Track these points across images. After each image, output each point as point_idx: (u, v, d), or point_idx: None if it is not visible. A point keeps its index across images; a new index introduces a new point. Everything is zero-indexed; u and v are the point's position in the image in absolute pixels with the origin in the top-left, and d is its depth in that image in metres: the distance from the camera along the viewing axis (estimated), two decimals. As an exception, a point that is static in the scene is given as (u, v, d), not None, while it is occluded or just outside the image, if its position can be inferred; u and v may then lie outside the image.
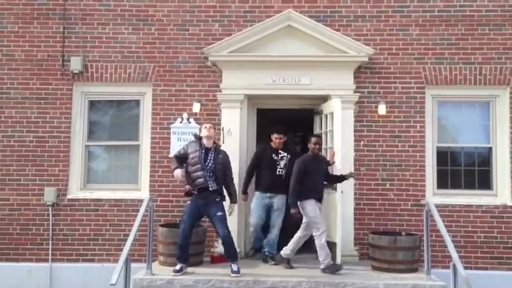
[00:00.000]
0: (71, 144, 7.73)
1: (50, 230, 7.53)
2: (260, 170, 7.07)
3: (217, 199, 6.36)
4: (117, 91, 7.85)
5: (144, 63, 7.72)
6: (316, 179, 6.48)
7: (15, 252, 7.54)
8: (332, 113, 7.05)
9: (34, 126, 7.71)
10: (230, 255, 6.26)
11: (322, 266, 6.28)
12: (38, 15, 7.84)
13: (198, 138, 6.52)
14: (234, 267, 6.17)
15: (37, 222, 7.58)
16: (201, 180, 6.27)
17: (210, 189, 6.29)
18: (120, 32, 7.79)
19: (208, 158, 6.37)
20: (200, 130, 6.81)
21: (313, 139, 6.67)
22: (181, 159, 6.44)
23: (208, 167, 6.32)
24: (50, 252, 7.52)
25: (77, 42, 7.77)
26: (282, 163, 6.98)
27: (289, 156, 6.99)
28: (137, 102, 7.88)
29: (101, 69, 7.75)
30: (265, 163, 7.01)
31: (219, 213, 6.28)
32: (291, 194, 6.42)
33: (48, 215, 7.55)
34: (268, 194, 6.95)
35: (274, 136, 7.05)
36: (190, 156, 6.39)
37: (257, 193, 7.04)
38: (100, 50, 7.78)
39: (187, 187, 6.41)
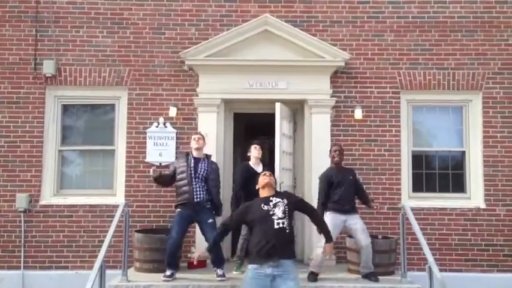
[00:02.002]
0: (44, 149, 7.58)
1: (22, 236, 7.36)
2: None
3: (207, 206, 6.29)
4: (91, 95, 7.73)
5: (119, 66, 7.63)
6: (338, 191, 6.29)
7: (-15, 260, 7.35)
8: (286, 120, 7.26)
9: (5, 130, 7.55)
10: (218, 261, 6.16)
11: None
12: (9, 17, 7.70)
13: (186, 154, 6.51)
14: (219, 271, 6.12)
15: (9, 228, 7.41)
16: (187, 195, 6.21)
17: (200, 197, 6.23)
18: (94, 35, 7.68)
19: (199, 167, 6.32)
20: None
21: (334, 147, 6.54)
22: (172, 176, 6.36)
23: (199, 176, 6.27)
24: (22, 259, 7.35)
25: (50, 45, 7.65)
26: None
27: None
28: (112, 106, 7.77)
29: (75, 73, 7.63)
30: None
31: (210, 220, 6.23)
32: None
33: (20, 221, 7.38)
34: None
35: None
36: (178, 170, 6.34)
37: None
38: (74, 53, 7.66)
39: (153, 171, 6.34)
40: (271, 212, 4.57)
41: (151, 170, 6.42)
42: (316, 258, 6.13)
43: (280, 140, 7.04)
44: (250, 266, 4.52)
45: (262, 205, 4.64)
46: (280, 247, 4.45)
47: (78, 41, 7.68)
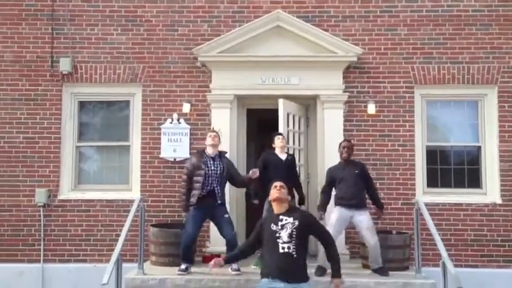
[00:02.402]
0: (62, 145, 7.72)
1: (42, 230, 7.53)
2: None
3: (219, 202, 6.35)
4: (106, 92, 7.85)
5: (134, 63, 7.72)
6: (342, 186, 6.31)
7: (6, 253, 7.54)
8: (293, 115, 7.33)
9: (24, 127, 7.70)
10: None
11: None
12: (26, 16, 7.82)
13: (200, 151, 6.56)
14: (235, 265, 6.16)
15: (28, 223, 7.58)
16: (201, 194, 6.26)
17: (215, 193, 6.29)
18: (109, 33, 7.78)
19: (216, 165, 6.36)
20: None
21: (342, 143, 6.55)
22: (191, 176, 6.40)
23: (217, 173, 6.32)
24: (41, 253, 7.52)
25: (66, 43, 7.76)
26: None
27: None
28: (127, 103, 7.88)
29: (90, 70, 7.74)
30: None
31: (226, 216, 6.33)
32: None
33: (39, 215, 7.55)
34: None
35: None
36: (193, 167, 6.36)
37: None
38: (89, 50, 7.77)
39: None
40: (277, 234, 4.29)
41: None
42: (321, 251, 6.12)
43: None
44: (263, 280, 4.35)
45: (272, 225, 4.38)
46: (288, 272, 4.21)
47: (94, 38, 7.78)
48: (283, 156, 6.70)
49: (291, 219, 4.34)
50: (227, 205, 6.72)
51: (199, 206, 6.30)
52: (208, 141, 6.49)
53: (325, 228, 4.81)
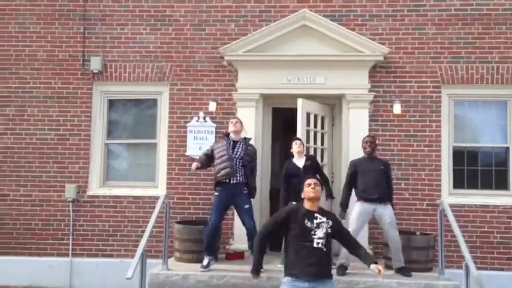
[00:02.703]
0: (91, 142, 7.91)
1: (71, 225, 7.73)
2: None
3: (244, 191, 6.43)
4: (135, 90, 8.01)
5: (162, 62, 7.85)
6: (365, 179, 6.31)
7: (37, 246, 7.76)
8: (315, 114, 7.35)
9: (55, 124, 7.92)
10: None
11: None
12: (59, 16, 8.04)
13: (226, 134, 6.69)
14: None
15: (58, 217, 7.79)
16: (227, 170, 6.34)
17: (238, 179, 6.38)
18: (138, 33, 7.93)
19: (236, 149, 6.48)
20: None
21: (366, 138, 6.57)
22: (209, 157, 6.57)
23: (236, 157, 6.41)
24: (70, 247, 7.71)
25: (97, 42, 7.95)
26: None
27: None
28: (154, 101, 8.02)
29: (120, 69, 7.91)
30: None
31: (247, 206, 6.38)
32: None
33: (68, 211, 7.75)
34: None
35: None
36: (216, 150, 6.52)
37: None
38: (119, 50, 7.94)
39: (194, 165, 6.53)
40: (312, 232, 4.33)
41: (192, 166, 6.59)
42: (344, 249, 6.12)
43: (302, 135, 7.08)
44: (285, 279, 4.36)
45: (306, 221, 4.37)
46: (317, 268, 4.25)
47: (123, 38, 7.95)
48: (301, 163, 6.58)
49: (325, 219, 4.41)
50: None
51: (221, 191, 6.40)
52: (230, 127, 6.61)
53: (350, 232, 4.85)
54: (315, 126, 7.52)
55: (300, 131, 7.07)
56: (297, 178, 6.03)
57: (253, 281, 5.92)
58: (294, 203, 5.81)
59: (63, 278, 7.64)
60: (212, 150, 6.60)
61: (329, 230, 4.36)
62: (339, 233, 4.52)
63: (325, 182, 6.70)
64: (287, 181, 6.49)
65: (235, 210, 6.74)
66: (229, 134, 6.65)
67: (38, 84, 7.98)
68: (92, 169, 7.90)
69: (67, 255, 7.71)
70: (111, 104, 8.11)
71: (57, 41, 8.02)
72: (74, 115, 7.92)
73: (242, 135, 6.74)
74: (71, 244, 7.71)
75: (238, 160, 6.42)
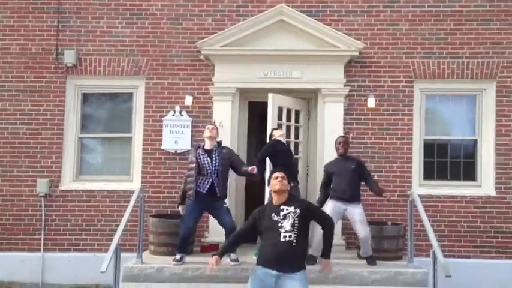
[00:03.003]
0: (64, 137, 7.82)
1: (43, 220, 7.62)
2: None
3: (218, 194, 6.32)
4: (110, 84, 7.94)
5: (138, 56, 7.82)
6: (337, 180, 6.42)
7: (8, 242, 7.63)
8: (287, 108, 7.49)
9: (27, 118, 7.80)
10: None
11: None
12: (32, 9, 7.93)
13: (196, 147, 6.54)
14: (233, 255, 6.18)
15: (30, 212, 7.67)
16: (194, 189, 6.24)
17: (212, 189, 6.26)
18: (114, 26, 7.88)
19: (212, 159, 6.29)
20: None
21: (338, 139, 6.61)
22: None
23: (213, 168, 6.27)
24: (42, 242, 7.60)
25: (71, 36, 7.87)
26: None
27: None
28: (130, 95, 7.97)
29: (95, 63, 7.84)
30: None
31: (225, 205, 6.34)
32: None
33: (40, 205, 7.65)
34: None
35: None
36: (190, 166, 6.35)
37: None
38: (94, 43, 7.87)
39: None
40: (279, 224, 4.35)
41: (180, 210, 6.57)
42: (315, 241, 6.17)
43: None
44: (257, 267, 4.43)
45: (273, 215, 4.43)
46: (286, 261, 4.27)
47: (98, 31, 7.88)
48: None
49: (292, 208, 4.41)
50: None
51: (196, 200, 6.28)
52: (206, 133, 6.46)
53: (325, 213, 4.97)
54: (288, 120, 7.58)
55: (271, 125, 7.10)
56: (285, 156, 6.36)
57: (229, 272, 6.00)
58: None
59: (35, 272, 7.52)
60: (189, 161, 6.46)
61: (297, 220, 4.35)
62: (312, 216, 4.58)
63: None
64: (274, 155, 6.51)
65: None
66: (199, 146, 6.48)
67: (10, 78, 7.85)
68: (65, 163, 7.80)
69: (39, 250, 7.59)
70: (85, 97, 8.03)
71: (31, 34, 7.91)
72: (47, 109, 7.82)
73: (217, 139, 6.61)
74: (42, 239, 7.60)
75: (215, 171, 6.27)
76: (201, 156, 6.31)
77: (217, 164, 6.29)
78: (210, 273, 5.99)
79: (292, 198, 4.64)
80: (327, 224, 4.68)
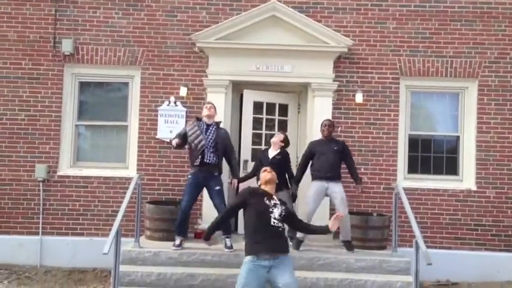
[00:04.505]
0: (62, 124, 8.00)
1: (41, 204, 7.84)
2: None
3: (215, 173, 6.68)
4: (106, 73, 8.12)
5: (134, 47, 8.00)
6: (320, 159, 6.79)
7: (6, 225, 7.85)
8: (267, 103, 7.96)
9: (26, 105, 7.97)
10: (224, 228, 6.53)
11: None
12: (30, -3, 8.04)
13: (198, 119, 6.86)
14: (228, 242, 6.49)
15: (28, 197, 7.89)
16: (199, 158, 6.56)
17: (210, 162, 6.60)
18: (110, 16, 8.04)
19: (209, 132, 6.68)
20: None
21: (324, 121, 7.00)
22: (183, 137, 6.71)
23: (209, 140, 6.62)
24: (40, 225, 7.82)
25: (69, 24, 8.02)
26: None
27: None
28: (126, 84, 8.17)
29: (91, 52, 8.01)
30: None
31: (217, 187, 6.62)
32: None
33: (39, 190, 7.86)
34: None
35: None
36: (190, 132, 6.67)
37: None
38: (91, 33, 8.03)
39: (174, 141, 6.66)
40: (270, 209, 4.72)
41: (173, 142, 6.71)
42: None
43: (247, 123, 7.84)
44: (247, 258, 4.64)
45: (265, 199, 4.80)
46: (275, 243, 4.62)
47: (95, 21, 8.03)
48: (271, 154, 7.07)
49: (279, 203, 4.85)
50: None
51: (193, 175, 6.64)
52: (204, 112, 6.79)
53: (299, 218, 5.35)
54: (271, 114, 7.94)
55: (246, 120, 7.51)
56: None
57: (222, 257, 6.33)
58: None
59: (33, 256, 7.76)
60: (186, 132, 6.75)
61: (283, 212, 4.76)
62: (291, 219, 5.00)
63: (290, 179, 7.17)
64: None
65: (205, 192, 6.99)
66: (200, 118, 6.85)
67: (8, 65, 7.99)
68: (63, 150, 8.00)
69: (37, 233, 7.82)
70: (82, 86, 8.21)
71: (28, 22, 8.03)
72: (45, 96, 7.99)
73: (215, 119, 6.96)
74: (41, 223, 7.83)
75: (211, 143, 6.65)
76: (204, 128, 6.67)
77: (213, 138, 6.65)
78: (204, 258, 6.34)
79: (279, 195, 5.07)
80: (303, 224, 5.20)
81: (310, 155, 6.94)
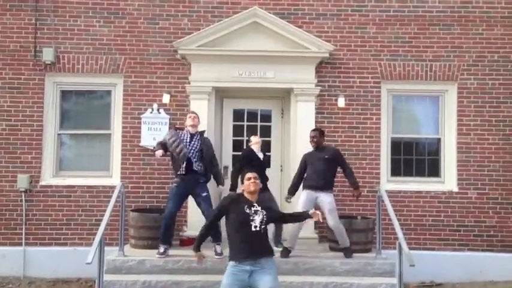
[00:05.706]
0: (44, 133, 7.95)
1: (24, 215, 7.77)
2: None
3: (201, 181, 6.67)
4: (88, 82, 8.10)
5: (115, 55, 7.99)
6: (311, 169, 6.77)
7: (-12, 236, 7.76)
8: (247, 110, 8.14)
9: (7, 114, 7.91)
10: (213, 235, 6.46)
11: None
12: (10, 6, 8.01)
13: (176, 129, 6.86)
14: (218, 249, 6.48)
15: (10, 207, 7.81)
16: (184, 167, 6.55)
17: (197, 169, 6.61)
18: (91, 25, 8.03)
19: (194, 141, 6.67)
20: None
21: (311, 133, 6.95)
22: (164, 145, 6.66)
23: (194, 148, 6.62)
24: (23, 236, 7.75)
25: (49, 33, 7.99)
26: None
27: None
28: (109, 92, 8.16)
29: (73, 61, 7.98)
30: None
31: (204, 194, 6.60)
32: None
33: (21, 200, 7.79)
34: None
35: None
36: (170, 141, 6.62)
37: None
38: (72, 41, 8.00)
39: (158, 153, 6.58)
40: (251, 217, 4.75)
41: (157, 154, 6.61)
42: (290, 234, 6.64)
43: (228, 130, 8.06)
44: (230, 262, 4.75)
45: (246, 207, 4.82)
46: (257, 248, 4.68)
47: (76, 30, 8.02)
48: (260, 155, 7.13)
49: (260, 208, 4.85)
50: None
51: (180, 182, 6.63)
52: (188, 121, 6.79)
53: (280, 212, 5.65)
54: (253, 120, 8.06)
55: (226, 128, 7.90)
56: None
57: (208, 263, 6.31)
58: None
59: (16, 267, 7.68)
60: (166, 141, 6.70)
61: (265, 218, 4.79)
62: (273, 216, 5.07)
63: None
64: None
65: (190, 199, 6.98)
66: (181, 128, 6.86)
67: (-11, 75, 7.94)
68: (45, 159, 7.95)
69: (20, 244, 7.75)
70: (64, 94, 8.17)
71: (8, 31, 7.99)
72: (26, 106, 7.94)
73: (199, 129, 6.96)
74: (23, 234, 7.75)
75: (196, 152, 6.64)
76: (187, 137, 6.66)
77: (198, 147, 6.64)
78: (190, 265, 6.32)
79: (260, 201, 5.03)
80: (285, 218, 5.41)
81: (304, 165, 6.90)
